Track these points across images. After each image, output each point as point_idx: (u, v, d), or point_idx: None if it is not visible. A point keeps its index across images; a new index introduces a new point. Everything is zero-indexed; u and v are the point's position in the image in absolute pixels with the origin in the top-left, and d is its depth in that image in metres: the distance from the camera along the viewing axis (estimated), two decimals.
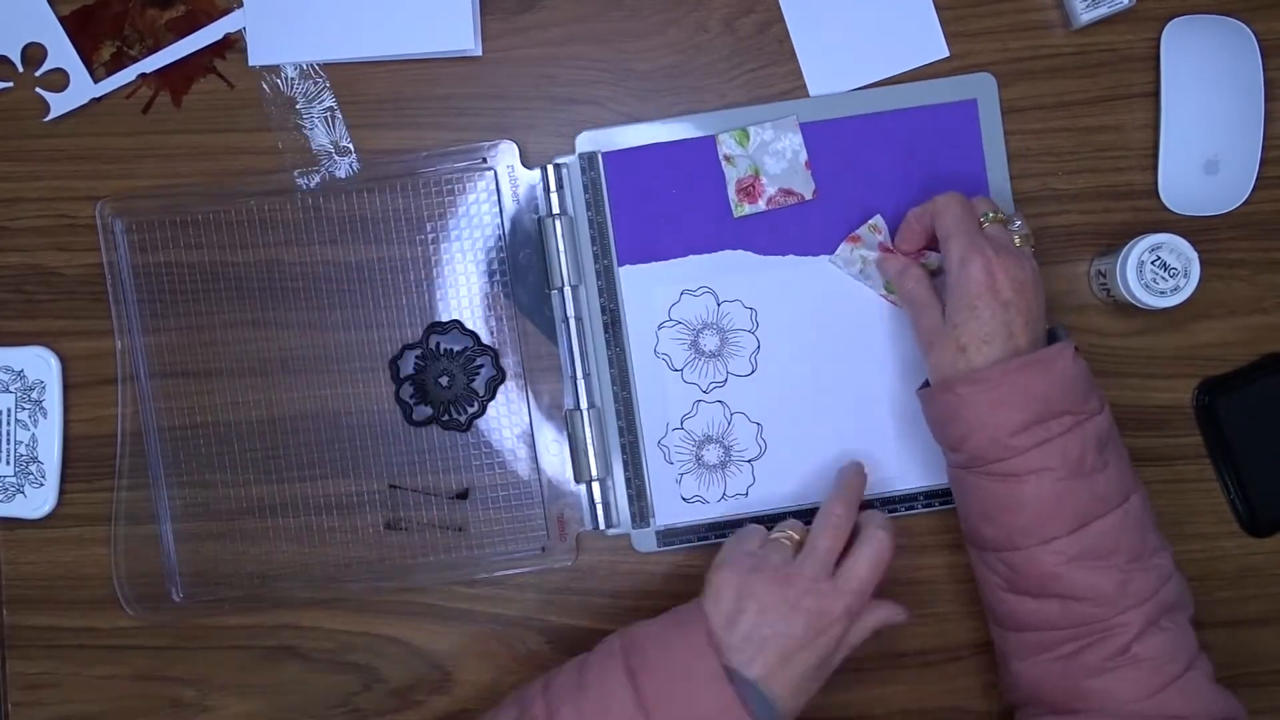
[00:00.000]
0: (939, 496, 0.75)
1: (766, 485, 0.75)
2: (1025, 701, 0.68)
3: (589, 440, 0.75)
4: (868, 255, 0.74)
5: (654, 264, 0.75)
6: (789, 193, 0.75)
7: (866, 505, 0.75)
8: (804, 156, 0.75)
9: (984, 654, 0.76)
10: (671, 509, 0.75)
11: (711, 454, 0.76)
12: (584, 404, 0.75)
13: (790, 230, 0.75)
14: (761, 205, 0.75)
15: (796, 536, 0.68)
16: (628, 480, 0.75)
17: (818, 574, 0.65)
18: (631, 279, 0.75)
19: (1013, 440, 0.63)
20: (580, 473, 0.75)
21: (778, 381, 0.75)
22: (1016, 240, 0.68)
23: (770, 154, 0.75)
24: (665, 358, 0.75)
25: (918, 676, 0.76)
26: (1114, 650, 0.63)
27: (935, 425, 0.68)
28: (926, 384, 0.69)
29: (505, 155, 0.75)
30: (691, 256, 0.75)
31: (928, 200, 0.68)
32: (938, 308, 0.67)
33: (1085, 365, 0.65)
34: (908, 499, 0.75)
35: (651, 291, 0.75)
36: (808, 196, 0.75)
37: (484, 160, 0.75)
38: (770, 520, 0.75)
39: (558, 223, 0.74)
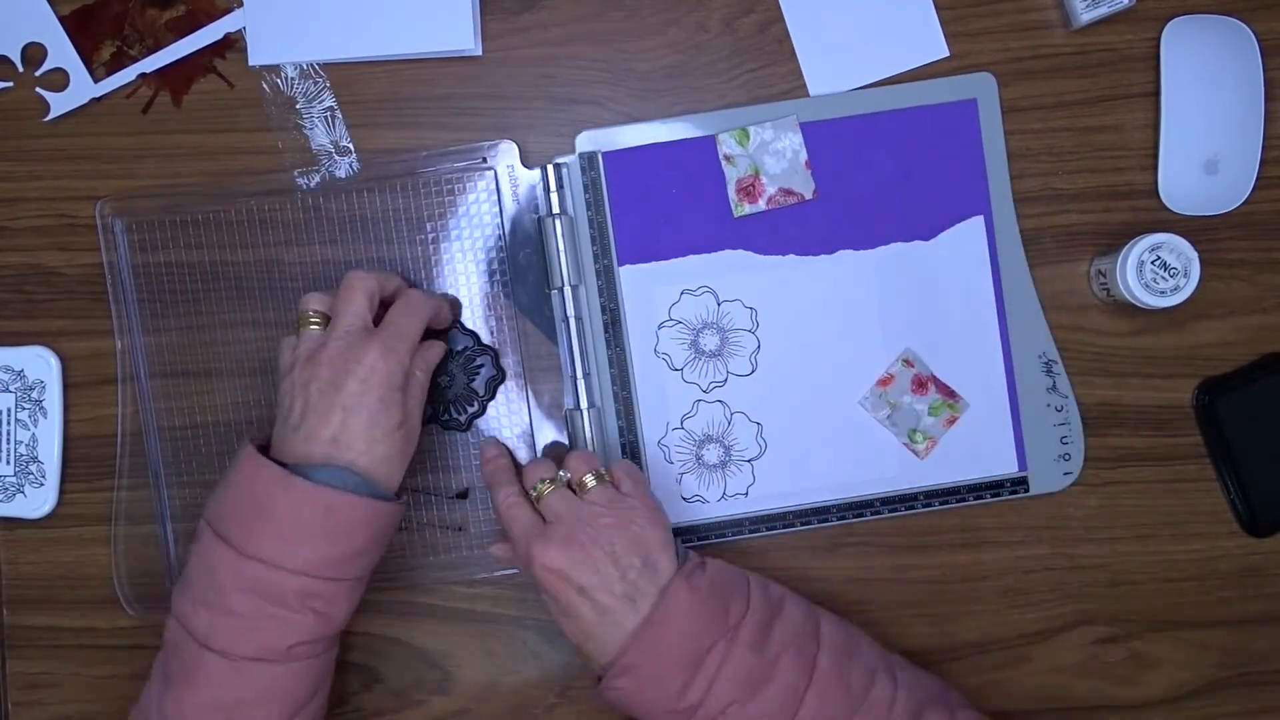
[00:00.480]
0: (938, 496, 0.75)
1: (766, 484, 0.75)
2: None
3: (589, 440, 0.74)
4: (897, 400, 0.74)
5: (654, 264, 0.75)
6: (789, 192, 0.75)
7: (866, 505, 0.75)
8: (804, 156, 0.75)
9: (984, 654, 0.76)
10: (671, 509, 0.75)
11: (711, 454, 0.76)
12: (584, 404, 0.75)
13: (790, 230, 0.75)
14: (761, 205, 0.75)
15: (320, 308, 0.68)
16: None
17: (349, 331, 0.65)
18: (632, 279, 0.75)
19: (684, 702, 0.62)
20: None
21: (778, 381, 0.75)
22: (590, 482, 0.67)
23: (770, 154, 0.75)
24: (665, 357, 0.75)
25: None
26: None
27: (622, 715, 0.66)
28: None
29: (505, 155, 0.75)
30: (691, 256, 0.75)
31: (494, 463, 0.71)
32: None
33: (710, 578, 0.64)
34: (907, 499, 0.75)
35: (651, 291, 0.75)
36: (808, 196, 0.75)
37: (484, 160, 0.75)
38: (772, 521, 0.76)
39: (558, 222, 0.74)
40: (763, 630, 0.63)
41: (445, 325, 0.72)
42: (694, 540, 0.76)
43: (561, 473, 0.68)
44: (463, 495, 0.76)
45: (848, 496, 0.75)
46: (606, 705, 0.66)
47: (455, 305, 0.74)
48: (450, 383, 0.75)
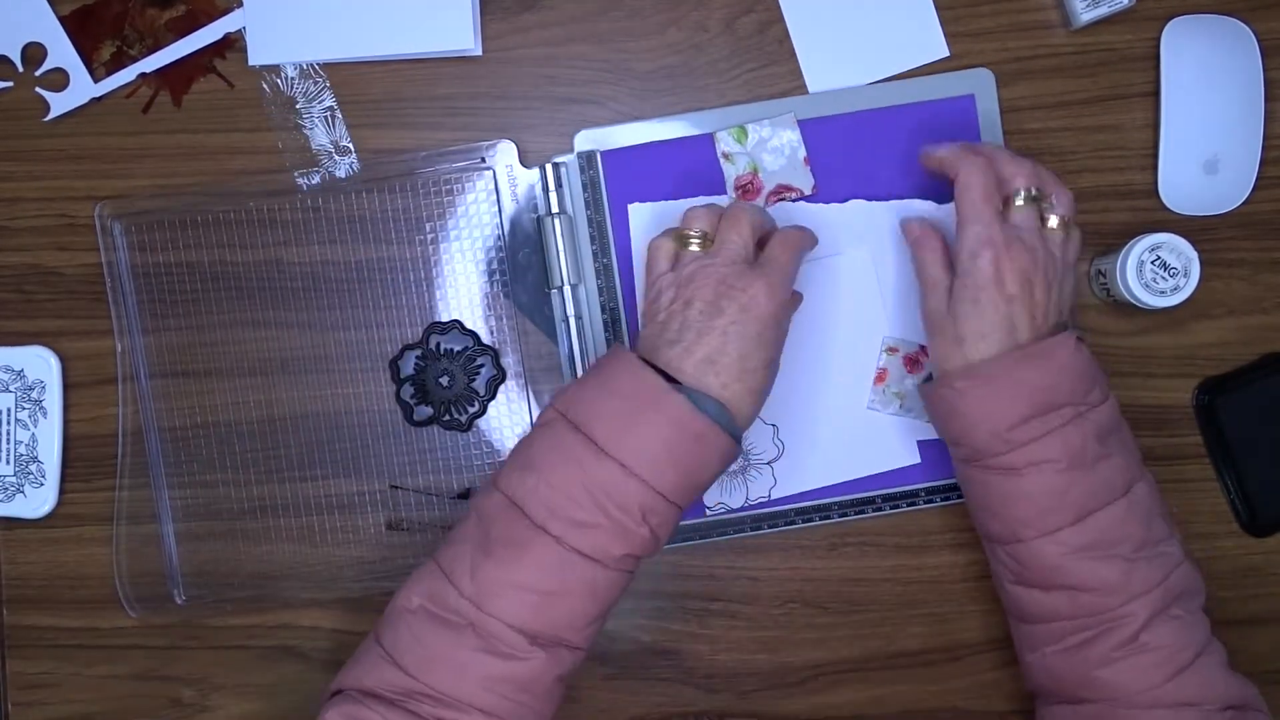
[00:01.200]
0: (940, 492, 0.75)
1: (788, 485, 0.75)
2: (1040, 691, 0.68)
3: None
4: (900, 389, 0.75)
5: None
6: (788, 189, 0.75)
7: (868, 503, 0.75)
8: (802, 153, 0.75)
9: (984, 654, 0.76)
10: (696, 519, 0.75)
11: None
12: None
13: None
14: (760, 202, 0.75)
15: (705, 229, 0.67)
16: None
17: (734, 260, 0.65)
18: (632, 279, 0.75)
19: (1011, 434, 0.62)
20: None
21: (789, 380, 0.75)
22: (1054, 223, 0.66)
23: (769, 151, 0.75)
24: None
25: (918, 676, 0.76)
26: (1123, 639, 0.62)
27: (936, 420, 0.67)
28: (930, 378, 0.68)
29: (504, 155, 0.75)
30: None
31: (953, 147, 0.67)
32: (945, 289, 0.66)
33: (1088, 356, 0.64)
34: (909, 495, 0.75)
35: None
36: (806, 192, 0.75)
37: (483, 160, 0.75)
38: (774, 519, 0.75)
39: (557, 222, 0.74)
40: (1107, 427, 0.64)
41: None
42: (695, 539, 0.76)
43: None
44: (464, 495, 0.76)
45: (850, 495, 0.75)
46: (931, 402, 0.66)
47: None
48: (451, 383, 0.75)
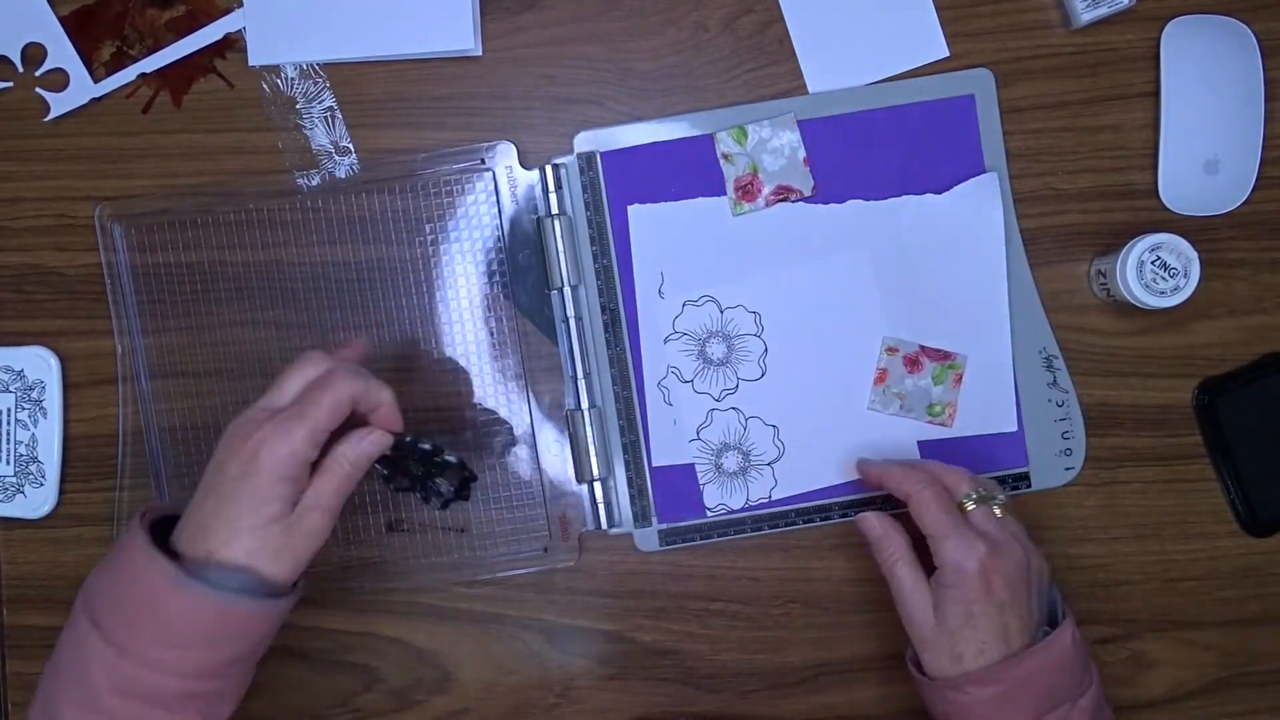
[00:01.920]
0: None
1: (789, 486, 0.75)
2: None
3: (590, 440, 0.75)
4: (901, 389, 0.75)
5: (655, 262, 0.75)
6: (788, 190, 0.75)
7: (869, 503, 0.75)
8: (802, 153, 0.75)
9: None
10: (695, 517, 0.76)
11: (731, 461, 0.75)
12: (585, 404, 0.75)
13: (790, 228, 0.75)
14: (760, 203, 0.75)
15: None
16: (629, 479, 0.75)
17: (266, 407, 0.60)
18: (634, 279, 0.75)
19: None
20: (582, 473, 0.75)
21: (789, 381, 0.75)
22: (998, 511, 0.66)
23: (768, 151, 0.75)
24: (675, 370, 0.75)
25: None
26: None
27: (934, 711, 0.66)
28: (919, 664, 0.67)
29: (503, 156, 0.75)
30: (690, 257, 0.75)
31: (887, 465, 0.69)
32: (925, 595, 0.65)
33: (1082, 642, 0.65)
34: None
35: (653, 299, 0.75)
36: (806, 193, 0.75)
37: (482, 161, 0.75)
38: (774, 519, 0.76)
39: (556, 223, 0.74)
40: (1093, 707, 0.64)
41: (380, 412, 0.63)
42: (695, 539, 0.76)
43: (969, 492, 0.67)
44: (463, 493, 0.76)
45: (851, 495, 0.75)
46: (934, 701, 0.65)
47: (393, 413, 0.64)
48: (412, 485, 0.69)
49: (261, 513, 0.58)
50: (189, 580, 0.56)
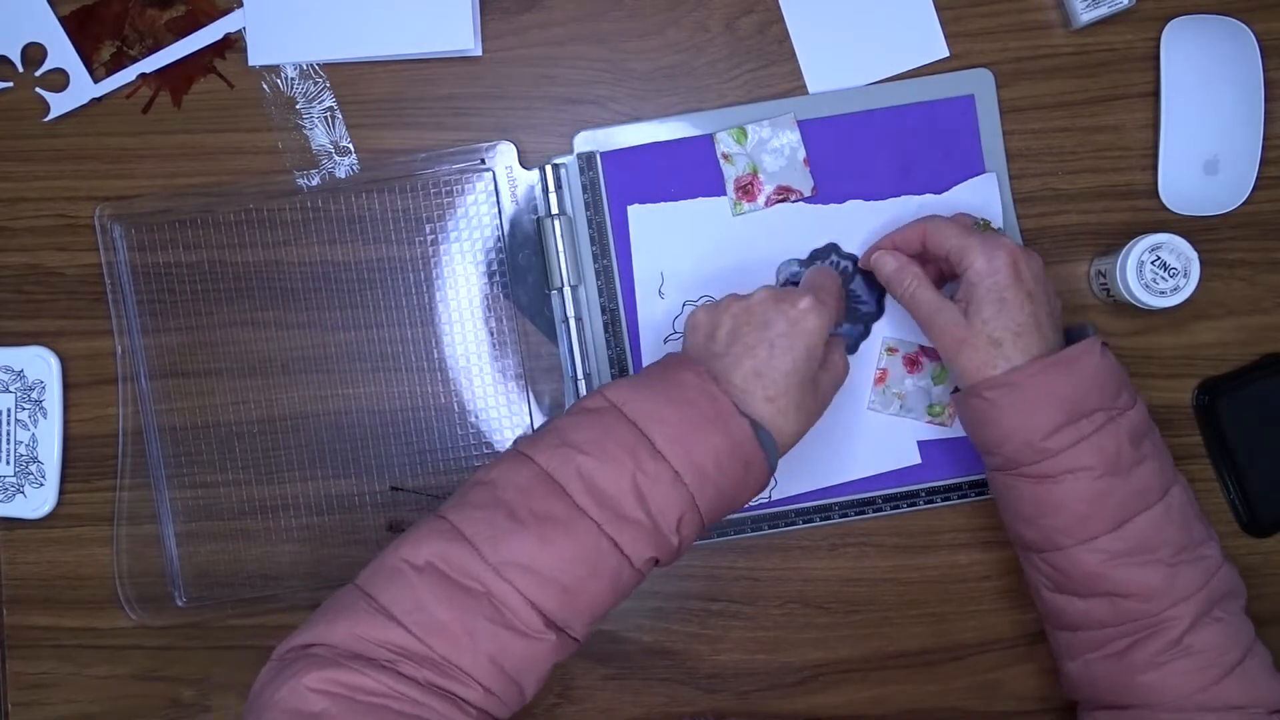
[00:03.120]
0: (941, 493, 0.75)
1: (789, 486, 0.75)
2: (1081, 699, 0.68)
3: None
4: (900, 390, 0.75)
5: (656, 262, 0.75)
6: (788, 190, 0.75)
7: (868, 503, 0.75)
8: (802, 154, 0.75)
9: (984, 654, 0.76)
10: None
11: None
12: None
13: (790, 229, 0.75)
14: (760, 203, 0.75)
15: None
16: None
17: (777, 294, 0.65)
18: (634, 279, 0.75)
19: (1046, 442, 0.62)
20: None
21: None
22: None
23: (768, 152, 0.75)
24: None
25: (918, 676, 0.76)
26: (1165, 644, 0.62)
27: (969, 429, 0.67)
28: (956, 390, 0.68)
29: (504, 156, 0.75)
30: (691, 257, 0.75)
31: (906, 226, 0.70)
32: (952, 306, 0.66)
33: (1114, 361, 0.65)
34: (909, 496, 0.75)
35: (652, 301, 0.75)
36: (806, 193, 0.75)
37: (482, 161, 0.75)
38: (774, 519, 0.76)
39: (556, 223, 0.74)
40: (1139, 431, 0.64)
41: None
42: (697, 541, 0.75)
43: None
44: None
45: (851, 495, 0.75)
46: (962, 411, 0.67)
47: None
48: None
49: (807, 371, 0.63)
50: (744, 418, 0.60)
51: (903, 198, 0.75)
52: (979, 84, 0.75)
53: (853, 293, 0.75)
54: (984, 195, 0.74)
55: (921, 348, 0.75)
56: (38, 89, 0.76)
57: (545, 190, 0.74)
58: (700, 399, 0.60)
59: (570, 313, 0.75)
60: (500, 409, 0.76)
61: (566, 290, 0.75)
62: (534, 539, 0.57)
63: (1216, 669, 0.62)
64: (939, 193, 0.75)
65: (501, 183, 0.75)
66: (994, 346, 0.64)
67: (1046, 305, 0.65)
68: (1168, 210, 0.75)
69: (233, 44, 0.76)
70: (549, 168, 0.74)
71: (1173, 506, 0.63)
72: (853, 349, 0.75)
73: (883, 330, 0.75)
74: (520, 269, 0.76)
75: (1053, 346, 0.64)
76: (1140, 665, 0.63)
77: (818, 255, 0.75)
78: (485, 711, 0.57)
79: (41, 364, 0.76)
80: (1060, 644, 0.68)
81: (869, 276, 0.74)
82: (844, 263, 0.75)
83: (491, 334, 0.76)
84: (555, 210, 0.74)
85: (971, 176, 0.75)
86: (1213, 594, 0.63)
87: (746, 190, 0.75)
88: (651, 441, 0.59)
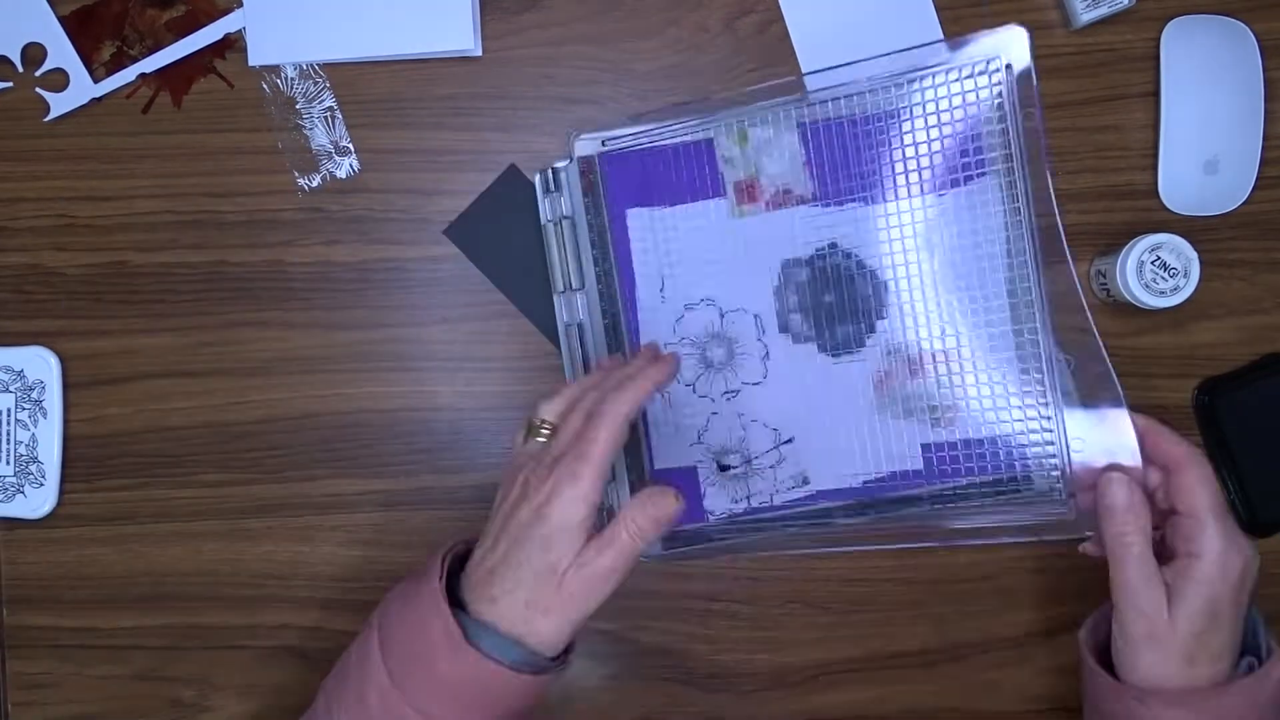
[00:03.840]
0: (943, 499, 0.75)
1: (790, 491, 0.75)
2: None
3: None
4: (906, 392, 0.73)
5: (658, 267, 0.75)
6: (788, 192, 0.75)
7: (870, 507, 0.75)
8: (802, 156, 0.75)
9: (984, 654, 0.76)
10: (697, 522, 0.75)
11: (732, 465, 0.75)
12: None
13: (790, 231, 0.75)
14: (761, 206, 0.75)
15: (553, 419, 0.61)
16: (631, 484, 0.75)
17: (555, 452, 0.58)
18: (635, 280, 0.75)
19: None
20: None
21: (790, 385, 0.75)
22: None
23: (769, 154, 0.75)
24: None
25: (918, 676, 0.76)
26: None
27: (1087, 694, 0.62)
28: (1096, 634, 0.63)
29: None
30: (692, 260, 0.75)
31: (1174, 446, 0.61)
32: (1161, 588, 0.58)
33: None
34: (911, 500, 0.75)
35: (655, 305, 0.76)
36: (807, 196, 0.75)
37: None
38: (794, 519, 0.76)
39: (558, 227, 0.74)
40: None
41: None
42: (701, 543, 0.75)
43: None
44: None
45: (851, 500, 0.75)
46: (1101, 692, 0.60)
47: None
48: None
49: (546, 562, 0.56)
50: (465, 645, 0.55)
51: (904, 200, 0.75)
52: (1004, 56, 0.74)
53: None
54: (984, 198, 0.74)
55: (923, 350, 0.75)
56: (38, 89, 0.76)
57: (546, 193, 0.74)
58: (428, 623, 0.57)
59: (572, 316, 0.75)
60: (501, 409, 0.76)
61: (568, 294, 0.75)
62: None
63: None
64: (940, 195, 0.74)
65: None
66: (1187, 663, 0.57)
67: (1239, 620, 0.58)
68: (1168, 210, 0.75)
69: (233, 44, 0.76)
70: (549, 171, 0.74)
71: None
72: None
73: (884, 332, 0.75)
74: (523, 272, 0.76)
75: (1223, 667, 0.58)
76: None
77: (820, 255, 0.75)
78: None
79: (41, 364, 0.76)
80: None
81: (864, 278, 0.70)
82: (846, 263, 0.75)
83: (494, 336, 0.76)
84: (556, 214, 0.74)
85: (974, 178, 0.74)
86: None
87: (747, 193, 0.75)
88: (391, 678, 0.57)
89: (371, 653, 0.58)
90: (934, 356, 0.75)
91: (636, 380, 0.60)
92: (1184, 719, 0.57)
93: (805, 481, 0.75)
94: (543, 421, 0.61)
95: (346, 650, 0.61)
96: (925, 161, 0.75)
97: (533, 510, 0.57)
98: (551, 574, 0.56)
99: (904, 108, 0.74)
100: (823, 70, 0.73)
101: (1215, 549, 0.57)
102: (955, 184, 0.74)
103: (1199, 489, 0.59)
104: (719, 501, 0.75)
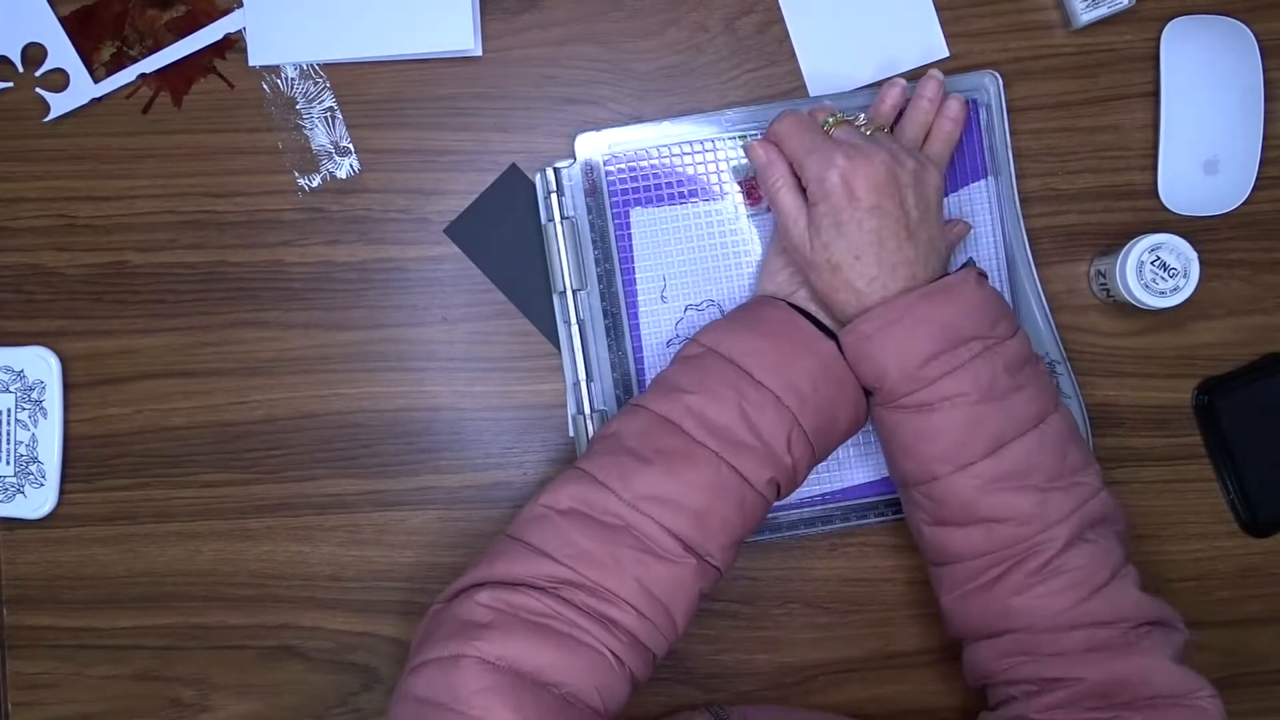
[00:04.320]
0: None
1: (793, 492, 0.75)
2: (958, 634, 0.68)
3: None
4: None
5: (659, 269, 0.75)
6: None
7: (870, 508, 0.75)
8: None
9: None
10: None
11: None
12: (587, 408, 0.74)
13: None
14: (763, 207, 0.75)
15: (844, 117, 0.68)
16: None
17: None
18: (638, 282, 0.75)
19: (922, 371, 0.62)
20: None
21: None
22: (867, 133, 0.66)
23: None
24: None
25: (918, 676, 0.76)
26: (1037, 566, 0.63)
27: (853, 368, 0.66)
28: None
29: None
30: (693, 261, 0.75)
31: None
32: (804, 220, 0.65)
33: (993, 291, 0.65)
34: None
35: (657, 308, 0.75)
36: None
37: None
38: (795, 519, 0.75)
39: (559, 227, 0.74)
40: (1017, 361, 0.64)
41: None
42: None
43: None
44: None
45: (853, 500, 0.75)
46: (844, 350, 0.65)
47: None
48: None
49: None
50: (828, 341, 0.65)
51: None
52: (984, 87, 0.74)
53: None
54: (988, 198, 0.74)
55: None
56: (38, 89, 0.76)
57: (547, 194, 0.74)
58: (785, 329, 0.65)
59: (573, 316, 0.75)
60: (501, 409, 0.76)
61: (569, 294, 0.74)
62: (660, 473, 0.62)
63: (1086, 587, 0.62)
64: (947, 193, 0.74)
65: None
66: (834, 272, 0.64)
67: (895, 212, 0.63)
68: (1168, 210, 0.75)
69: (233, 44, 0.76)
70: (550, 172, 0.74)
71: (1048, 434, 0.64)
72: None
73: None
74: (523, 272, 0.76)
75: (924, 270, 0.64)
76: (1012, 589, 0.63)
77: None
78: (636, 638, 0.61)
79: (41, 364, 0.76)
80: (939, 579, 0.68)
81: None
82: None
83: (494, 336, 0.76)
84: (558, 215, 0.74)
85: (976, 180, 0.75)
86: (1085, 518, 0.63)
87: (749, 193, 0.75)
88: (749, 373, 0.64)
89: (715, 365, 0.65)
90: None
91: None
92: (881, 327, 0.63)
93: (813, 481, 0.75)
94: (847, 115, 0.68)
95: (663, 380, 0.67)
96: None
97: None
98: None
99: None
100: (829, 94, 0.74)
101: (809, 174, 0.64)
102: (953, 188, 0.75)
103: (783, 143, 0.66)
104: None
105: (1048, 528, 0.63)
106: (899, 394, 0.64)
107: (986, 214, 0.74)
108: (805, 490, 0.75)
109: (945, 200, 0.73)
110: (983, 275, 0.65)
